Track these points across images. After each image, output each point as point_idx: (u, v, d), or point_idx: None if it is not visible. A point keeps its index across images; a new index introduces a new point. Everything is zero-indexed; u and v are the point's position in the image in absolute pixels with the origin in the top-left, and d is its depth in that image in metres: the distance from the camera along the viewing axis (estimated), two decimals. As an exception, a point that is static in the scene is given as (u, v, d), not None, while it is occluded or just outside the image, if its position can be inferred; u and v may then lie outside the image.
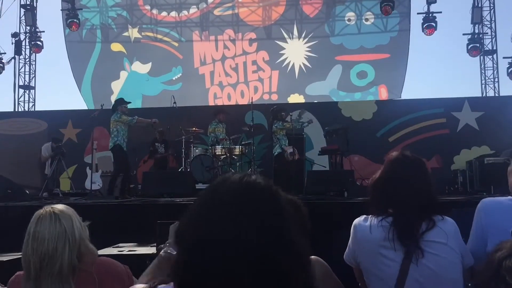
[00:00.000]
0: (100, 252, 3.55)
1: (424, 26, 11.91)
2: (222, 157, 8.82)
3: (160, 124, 9.14)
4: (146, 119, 8.62)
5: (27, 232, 1.95)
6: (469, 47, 12.08)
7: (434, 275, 1.86)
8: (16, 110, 13.64)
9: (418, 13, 12.13)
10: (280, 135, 8.71)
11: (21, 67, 13.95)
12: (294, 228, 1.09)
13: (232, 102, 13.94)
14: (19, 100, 13.90)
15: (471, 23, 12.27)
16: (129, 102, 8.66)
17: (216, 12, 14.32)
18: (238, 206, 1.05)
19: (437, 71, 18.97)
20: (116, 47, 14.47)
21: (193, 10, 14.39)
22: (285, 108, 9.54)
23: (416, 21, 12.66)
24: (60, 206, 2.03)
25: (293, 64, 14.05)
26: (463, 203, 5.15)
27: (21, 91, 13.98)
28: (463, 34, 12.34)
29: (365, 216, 2.07)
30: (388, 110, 11.30)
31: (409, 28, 13.42)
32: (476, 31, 12.38)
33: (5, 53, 13.02)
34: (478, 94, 12.79)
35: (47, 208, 1.99)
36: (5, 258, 3.85)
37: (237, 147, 8.88)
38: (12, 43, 13.39)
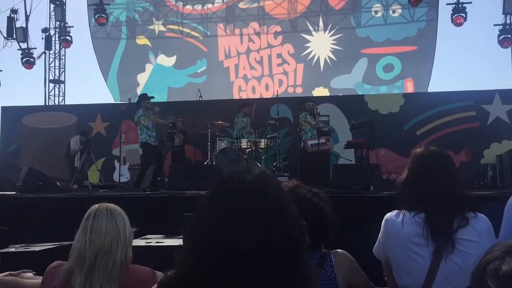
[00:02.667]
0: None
1: (454, 17, 11.62)
2: (248, 150, 8.85)
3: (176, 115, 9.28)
4: (163, 120, 8.85)
5: (82, 225, 2.00)
6: (501, 38, 11.72)
7: (463, 273, 1.84)
8: (47, 104, 13.98)
9: (447, 4, 11.83)
10: (306, 127, 8.62)
11: (51, 62, 14.28)
12: (289, 219, 1.15)
13: (257, 95, 13.94)
14: (50, 94, 14.25)
15: (503, 14, 11.89)
16: (152, 97, 8.72)
17: (241, 5, 14.31)
18: (232, 212, 1.12)
19: (466, 63, 18.52)
20: (141, 40, 14.63)
21: (218, 3, 14.41)
22: (311, 98, 9.47)
23: (445, 11, 12.38)
24: (113, 206, 2.08)
25: (318, 57, 13.94)
26: (493, 197, 5.05)
27: (51, 85, 14.31)
28: (494, 25, 11.98)
29: (397, 211, 2.06)
30: (416, 103, 11.12)
31: (436, 18, 13.12)
32: (508, 21, 12.00)
33: (36, 48, 13.33)
34: (509, 86, 12.43)
35: (102, 204, 2.06)
36: (38, 248, 3.96)
37: (262, 140, 8.89)
38: (43, 38, 13.71)
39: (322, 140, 8.30)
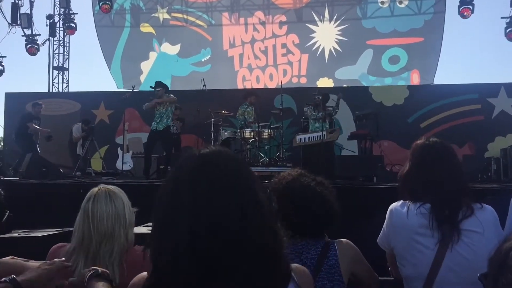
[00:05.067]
0: (131, 230, 3.63)
1: (461, 9, 11.53)
2: (251, 140, 8.83)
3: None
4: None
5: (82, 209, 1.98)
6: (507, 31, 11.63)
7: (468, 265, 1.83)
8: (51, 91, 13.96)
9: (455, -5, 11.75)
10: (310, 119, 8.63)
11: (56, 49, 14.24)
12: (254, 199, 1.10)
13: (261, 85, 13.91)
14: (54, 81, 14.23)
15: (510, 6, 11.78)
16: (159, 88, 8.61)
17: (247, -6, 14.21)
18: (194, 187, 1.07)
19: (472, 56, 18.43)
20: (145, 28, 14.57)
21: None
22: (318, 91, 9.39)
23: (452, 3, 12.28)
24: (112, 187, 2.05)
25: (323, 48, 13.87)
26: (497, 190, 5.03)
27: (55, 72, 14.28)
28: (501, 18, 11.89)
29: (402, 201, 2.04)
30: (421, 95, 11.06)
31: (444, 11, 13.01)
32: (516, 14, 11.90)
33: (40, 34, 13.28)
34: (515, 79, 12.36)
35: (101, 187, 2.03)
36: (40, 233, 3.97)
37: (265, 130, 8.86)
38: (47, 25, 13.65)
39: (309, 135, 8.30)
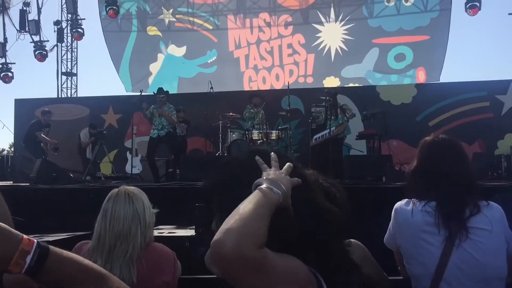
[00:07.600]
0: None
1: (468, 5, 11.46)
2: (259, 141, 8.83)
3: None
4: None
5: (102, 209, 2.02)
6: (516, 27, 11.56)
7: (476, 262, 1.82)
8: (60, 96, 14.08)
9: (462, -8, 11.68)
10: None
11: (64, 54, 14.38)
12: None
13: (267, 86, 13.91)
14: (62, 86, 14.36)
15: (518, 2, 11.74)
16: (163, 95, 8.69)
17: (253, -4, 14.22)
18: None
19: (480, 53, 18.28)
20: (151, 30, 14.64)
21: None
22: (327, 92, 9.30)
23: (458, 0, 12.21)
24: (132, 188, 2.08)
25: (329, 47, 13.85)
26: (507, 188, 4.99)
27: (64, 77, 14.41)
28: (509, 14, 11.81)
29: (406, 200, 2.03)
30: (429, 94, 11.00)
31: (450, 8, 12.94)
32: (523, 10, 11.83)
33: (48, 40, 13.42)
34: (524, 76, 12.26)
35: (122, 188, 2.06)
36: (51, 238, 4.00)
37: (273, 131, 8.86)
38: (55, 31, 13.80)
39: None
